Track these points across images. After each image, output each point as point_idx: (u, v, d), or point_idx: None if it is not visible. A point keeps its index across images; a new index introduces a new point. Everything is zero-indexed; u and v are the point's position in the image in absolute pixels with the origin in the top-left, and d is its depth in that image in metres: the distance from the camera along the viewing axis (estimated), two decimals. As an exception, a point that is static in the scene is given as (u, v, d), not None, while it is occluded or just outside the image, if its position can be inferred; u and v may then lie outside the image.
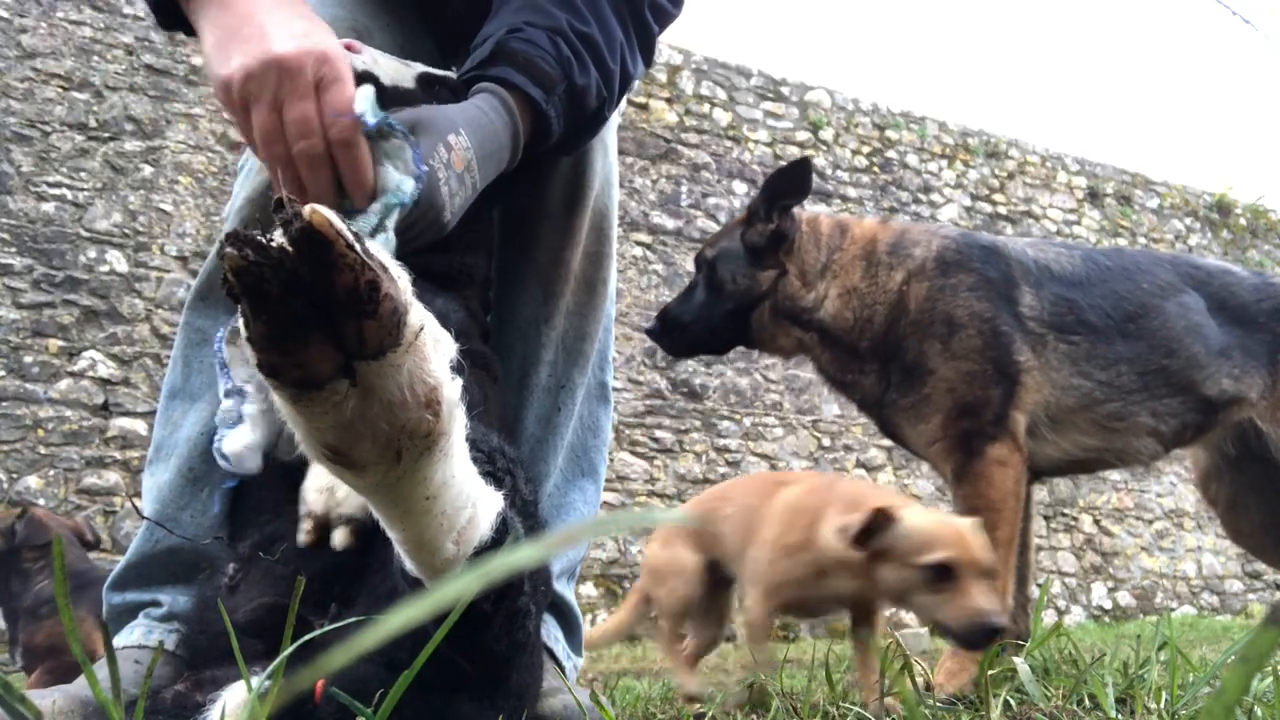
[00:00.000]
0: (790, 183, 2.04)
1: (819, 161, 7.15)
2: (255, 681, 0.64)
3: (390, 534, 0.67)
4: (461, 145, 1.08)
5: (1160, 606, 7.60)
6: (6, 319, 4.80)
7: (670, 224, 6.55)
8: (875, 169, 7.43)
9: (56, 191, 5.02)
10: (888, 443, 5.56)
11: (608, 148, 1.51)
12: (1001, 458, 1.82)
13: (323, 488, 0.96)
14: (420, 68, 1.17)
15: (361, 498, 0.68)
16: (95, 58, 5.23)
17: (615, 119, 1.54)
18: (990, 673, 1.16)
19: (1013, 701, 1.16)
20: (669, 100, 6.75)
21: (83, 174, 5.10)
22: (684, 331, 2.15)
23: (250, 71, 0.97)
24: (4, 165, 4.92)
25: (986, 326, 1.88)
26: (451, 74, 1.21)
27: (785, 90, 7.21)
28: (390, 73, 1.11)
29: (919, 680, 1.59)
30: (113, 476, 4.84)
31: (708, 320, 2.12)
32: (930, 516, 1.33)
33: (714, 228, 6.43)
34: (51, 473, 4.72)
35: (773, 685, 1.45)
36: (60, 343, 4.89)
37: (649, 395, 6.21)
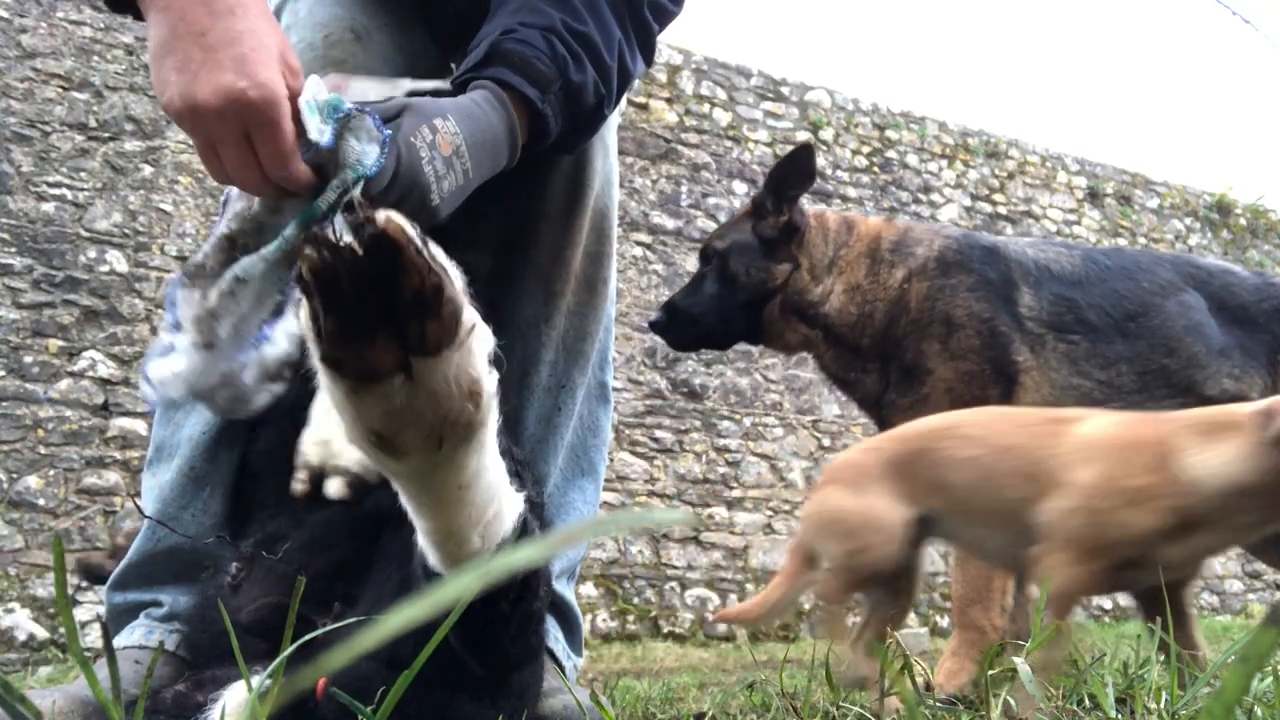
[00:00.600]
0: (794, 171, 2.05)
1: (819, 161, 7.15)
2: (255, 681, 0.65)
3: (418, 524, 0.68)
4: (449, 130, 1.08)
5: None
6: (6, 319, 4.80)
7: (670, 224, 6.55)
8: (875, 169, 7.42)
9: (56, 191, 5.02)
10: (888, 443, 5.55)
11: (608, 147, 1.51)
12: (1001, 458, 1.82)
13: (319, 440, 0.96)
14: (407, 84, 1.16)
15: (360, 453, 0.69)
16: (95, 58, 5.23)
17: (615, 118, 1.54)
18: (990, 673, 1.16)
19: (1013, 701, 1.16)
20: (669, 100, 6.75)
21: (83, 174, 5.10)
22: (693, 324, 2.15)
23: (177, 112, 0.90)
24: (4, 165, 4.92)
25: (985, 327, 1.88)
26: (444, 84, 1.21)
27: (785, 90, 7.21)
28: (378, 99, 1.10)
29: (919, 680, 1.59)
30: (113, 476, 4.84)
31: (719, 313, 2.12)
32: None
33: (714, 228, 6.43)
34: (51, 473, 4.72)
35: (773, 685, 1.45)
36: (60, 343, 4.88)
37: (649, 395, 6.21)
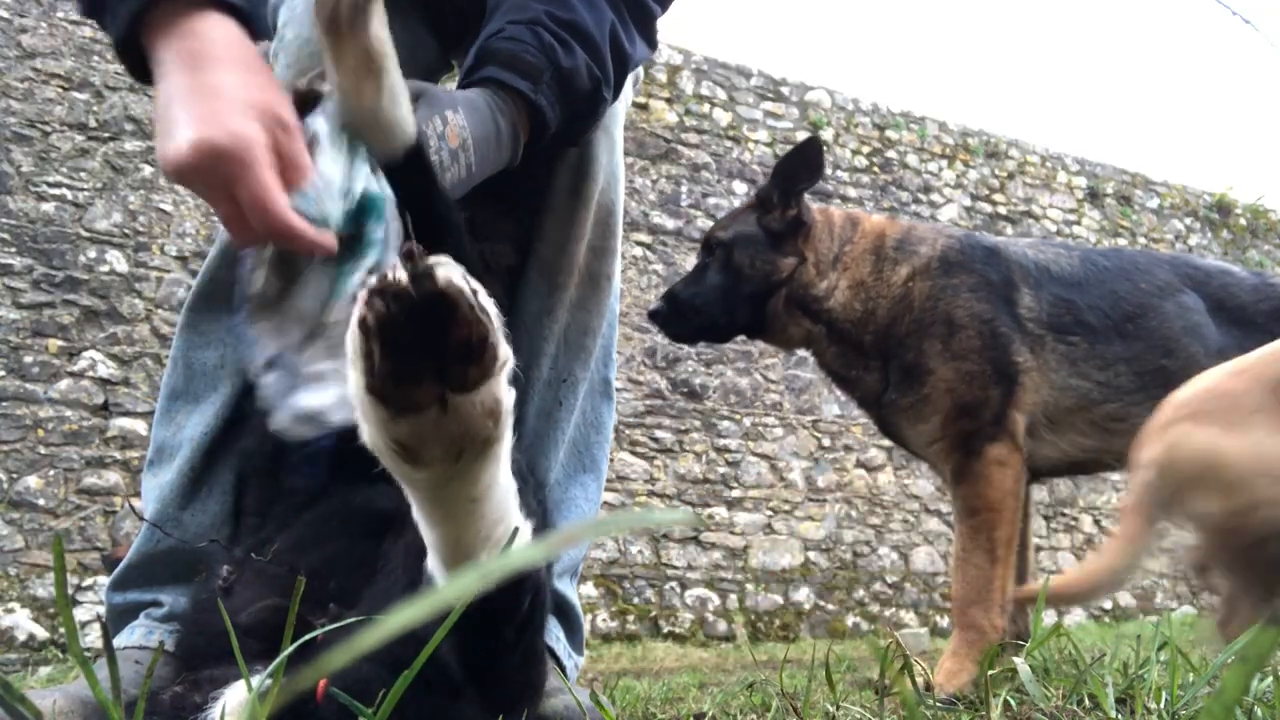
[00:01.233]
0: (802, 164, 2.04)
1: (819, 161, 7.15)
2: (255, 680, 0.65)
3: (428, 537, 0.70)
4: (458, 122, 1.10)
5: (1160, 606, 7.60)
6: (6, 319, 4.80)
7: (670, 224, 6.55)
8: (875, 169, 7.43)
9: (56, 191, 5.02)
10: (888, 442, 5.56)
11: (614, 143, 1.50)
12: (1000, 457, 1.82)
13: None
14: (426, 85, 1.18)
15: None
16: (95, 58, 5.22)
17: (622, 115, 1.54)
18: (990, 673, 1.16)
19: (1013, 701, 1.16)
20: (669, 100, 6.75)
21: (83, 174, 5.10)
22: (696, 314, 2.11)
23: (168, 174, 0.92)
24: (4, 165, 4.92)
25: (986, 327, 1.88)
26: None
27: (785, 90, 7.21)
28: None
29: (919, 680, 1.59)
30: (113, 476, 4.84)
31: (723, 304, 2.09)
32: None
33: (714, 228, 6.42)
34: (51, 473, 4.72)
35: (773, 685, 1.45)
36: (60, 343, 4.88)
37: (649, 395, 6.21)
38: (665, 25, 1.48)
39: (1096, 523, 7.57)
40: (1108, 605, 7.42)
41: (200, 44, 0.93)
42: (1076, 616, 7.25)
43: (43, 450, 4.73)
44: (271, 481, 1.12)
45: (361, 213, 0.96)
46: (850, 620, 6.34)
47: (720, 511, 6.22)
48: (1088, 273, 2.03)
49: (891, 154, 7.51)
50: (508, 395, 0.63)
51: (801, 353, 2.28)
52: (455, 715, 0.80)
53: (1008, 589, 1.79)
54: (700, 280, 2.12)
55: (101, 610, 3.24)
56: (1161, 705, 1.03)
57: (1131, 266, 2.07)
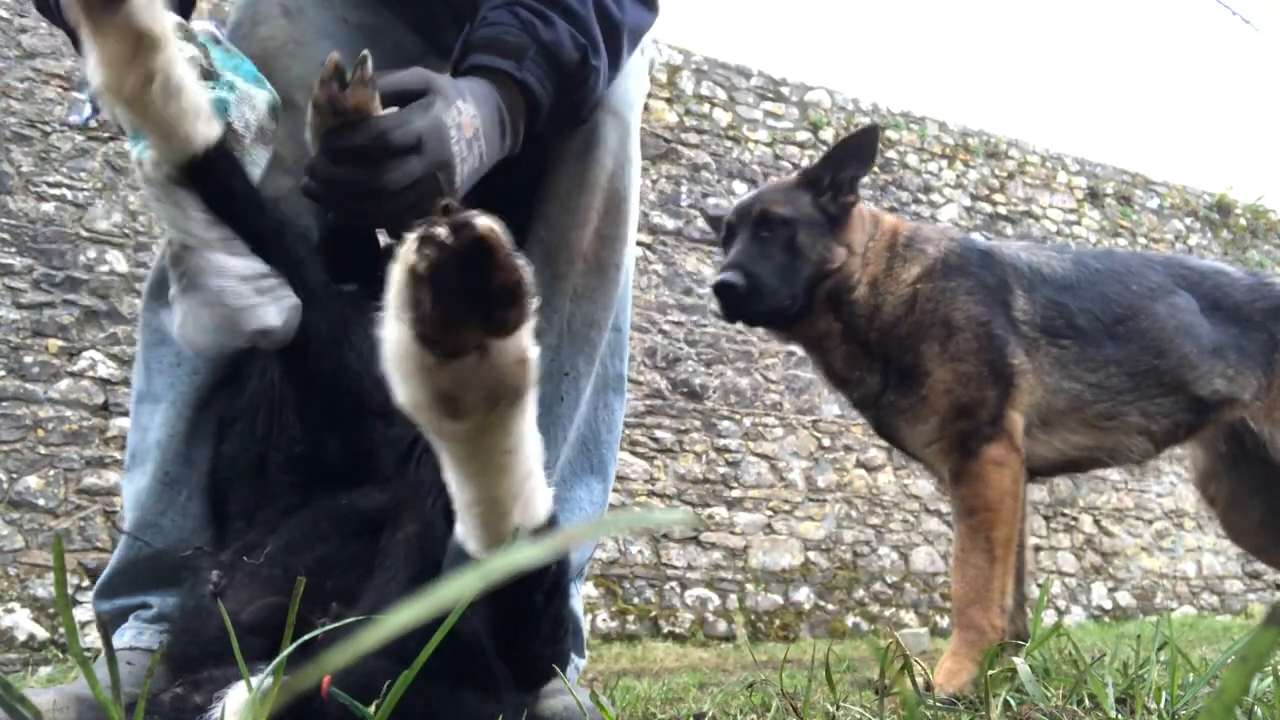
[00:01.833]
0: (855, 152, 2.00)
1: (819, 161, 7.15)
2: (256, 680, 0.65)
3: (462, 499, 0.72)
4: (469, 112, 1.10)
5: (1160, 606, 7.60)
6: (6, 319, 4.80)
7: (670, 224, 6.55)
8: (875, 169, 7.43)
9: (56, 191, 5.02)
10: (887, 443, 5.55)
11: (626, 126, 1.43)
12: (998, 458, 1.82)
13: None
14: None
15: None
16: (95, 58, 5.22)
17: (637, 98, 1.47)
18: (990, 673, 1.16)
19: (1013, 701, 1.16)
20: (669, 100, 6.75)
21: (83, 174, 5.10)
22: (773, 295, 1.92)
23: None
24: (4, 165, 4.92)
25: (982, 330, 1.89)
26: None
27: (785, 90, 7.21)
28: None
29: (919, 680, 1.59)
30: (113, 476, 4.83)
31: (790, 286, 1.94)
32: None
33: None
34: (51, 473, 4.72)
35: (773, 685, 1.45)
36: (60, 343, 4.88)
37: (649, 395, 6.21)
38: (665, 25, 1.45)
39: (1096, 523, 7.57)
40: (1108, 605, 7.42)
41: None
42: (1076, 616, 7.25)
43: (43, 450, 4.73)
44: (255, 485, 1.12)
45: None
46: (850, 620, 6.34)
47: (720, 511, 6.22)
48: (1080, 275, 2.03)
49: (891, 154, 7.52)
50: (534, 345, 0.66)
51: (800, 353, 2.24)
52: (457, 703, 0.80)
53: (1007, 589, 1.79)
54: (768, 256, 1.95)
55: (101, 610, 3.23)
56: (1161, 705, 1.03)
57: (1123, 269, 2.07)
